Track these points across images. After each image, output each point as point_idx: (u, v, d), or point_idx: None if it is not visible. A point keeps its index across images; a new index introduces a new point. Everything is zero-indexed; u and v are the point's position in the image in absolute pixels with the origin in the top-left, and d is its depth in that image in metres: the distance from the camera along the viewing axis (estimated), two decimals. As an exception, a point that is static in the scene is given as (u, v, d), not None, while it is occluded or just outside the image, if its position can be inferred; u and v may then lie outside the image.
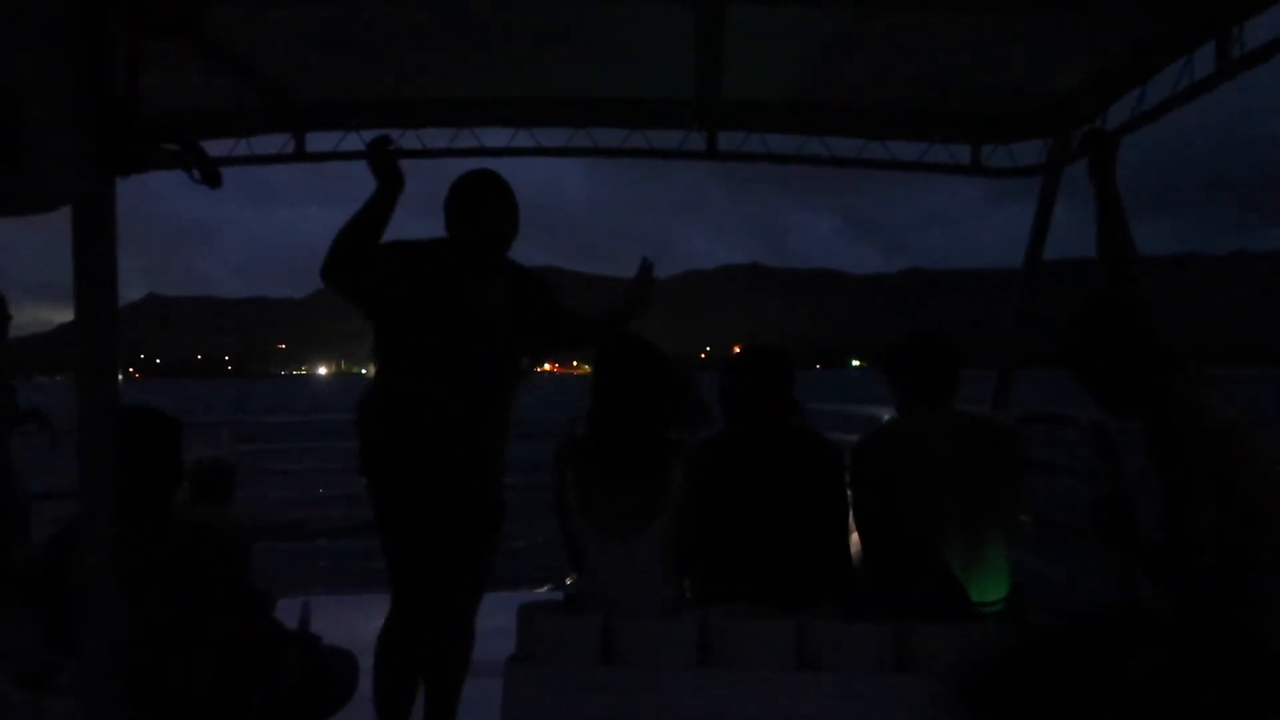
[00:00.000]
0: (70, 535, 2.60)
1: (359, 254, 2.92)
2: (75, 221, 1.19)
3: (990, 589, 2.87)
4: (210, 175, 1.43)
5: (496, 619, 2.91)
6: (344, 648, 2.97)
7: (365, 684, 3.01)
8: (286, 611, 2.95)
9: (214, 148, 4.10)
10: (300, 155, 4.19)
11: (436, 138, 4.17)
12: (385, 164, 2.98)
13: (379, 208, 2.94)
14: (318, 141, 4.18)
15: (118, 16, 1.22)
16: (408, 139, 4.14)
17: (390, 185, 2.95)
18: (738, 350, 3.16)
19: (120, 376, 1.32)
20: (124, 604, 1.27)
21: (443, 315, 2.95)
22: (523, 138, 4.16)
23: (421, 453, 2.92)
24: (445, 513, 2.92)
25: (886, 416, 3.44)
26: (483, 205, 3.03)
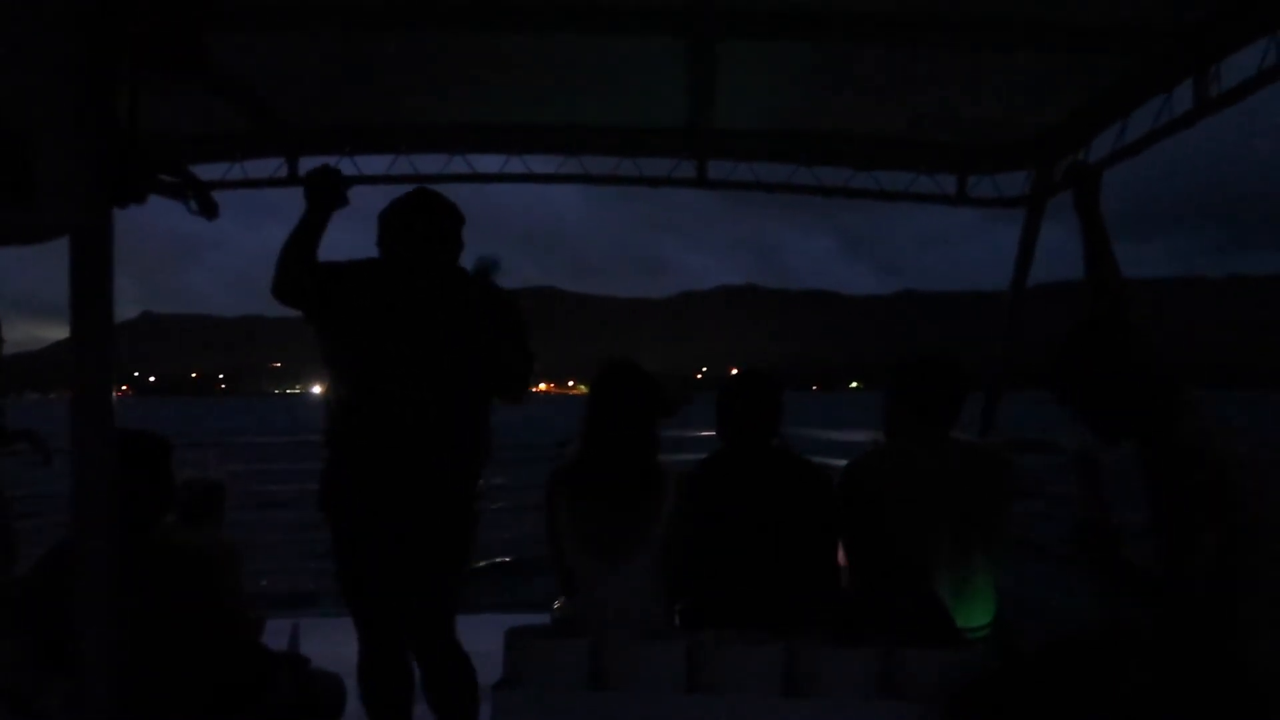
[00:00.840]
0: (62, 554, 2.61)
1: (300, 270, 2.93)
2: (73, 251, 1.21)
3: (977, 614, 2.89)
4: (207, 207, 1.46)
5: (484, 643, 2.91)
6: (332, 670, 2.98)
7: (353, 706, 3.01)
8: (276, 633, 2.95)
9: (208, 171, 4.13)
10: (294, 179, 4.22)
11: (429, 163, 4.21)
12: (323, 190, 2.97)
13: (311, 228, 2.94)
14: (311, 165, 4.22)
15: (125, 54, 1.25)
16: (400, 164, 4.19)
17: (320, 208, 2.95)
18: (735, 372, 3.20)
19: (114, 395, 1.34)
20: (119, 624, 1.28)
21: (383, 334, 2.93)
22: (514, 164, 4.21)
23: (370, 473, 2.90)
24: (395, 541, 2.89)
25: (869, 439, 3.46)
26: (415, 220, 3.01)
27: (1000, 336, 4.49)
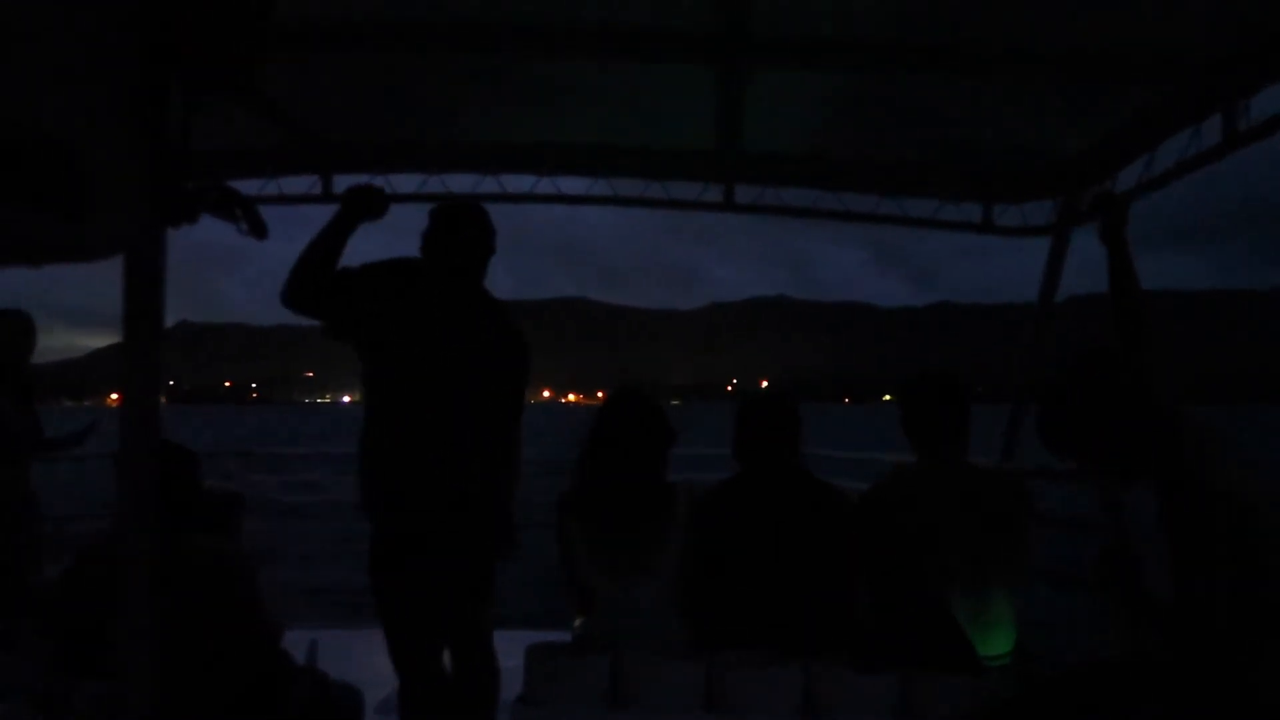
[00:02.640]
0: (91, 559, 2.65)
1: (317, 276, 2.87)
2: (127, 269, 1.25)
3: (996, 642, 2.88)
4: (256, 227, 1.49)
5: (504, 659, 2.93)
6: (350, 682, 3.00)
7: (370, 718, 3.03)
8: (295, 644, 2.98)
9: (244, 187, 4.22)
10: (328, 196, 4.29)
11: (460, 183, 4.28)
12: (363, 208, 2.95)
13: (337, 236, 2.89)
14: (345, 183, 4.29)
15: (176, 74, 1.29)
16: (431, 183, 4.26)
17: (352, 218, 2.92)
18: (752, 395, 3.20)
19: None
20: (156, 628, 1.31)
21: (427, 339, 2.89)
22: (544, 184, 4.27)
23: (417, 493, 2.88)
24: (439, 558, 2.88)
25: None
26: (457, 230, 3.01)
27: (1022, 362, 4.47)
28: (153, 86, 1.30)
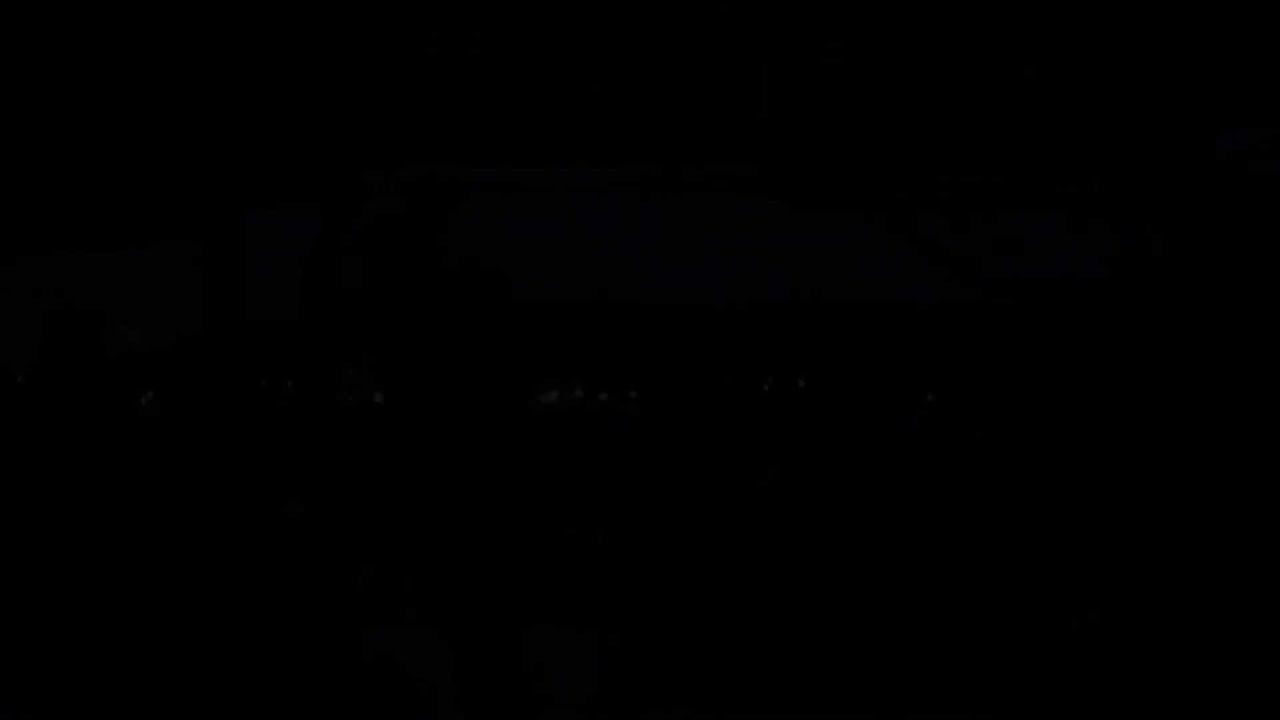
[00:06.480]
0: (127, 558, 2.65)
1: None
2: (206, 252, 1.23)
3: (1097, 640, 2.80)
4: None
5: (576, 654, 2.88)
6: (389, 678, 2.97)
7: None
8: (328, 640, 2.96)
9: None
10: None
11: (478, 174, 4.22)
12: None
13: None
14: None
15: (251, 64, 1.27)
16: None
17: None
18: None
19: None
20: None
21: None
22: (564, 173, 4.21)
23: None
24: None
25: None
26: None
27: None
28: (229, 73, 1.28)
